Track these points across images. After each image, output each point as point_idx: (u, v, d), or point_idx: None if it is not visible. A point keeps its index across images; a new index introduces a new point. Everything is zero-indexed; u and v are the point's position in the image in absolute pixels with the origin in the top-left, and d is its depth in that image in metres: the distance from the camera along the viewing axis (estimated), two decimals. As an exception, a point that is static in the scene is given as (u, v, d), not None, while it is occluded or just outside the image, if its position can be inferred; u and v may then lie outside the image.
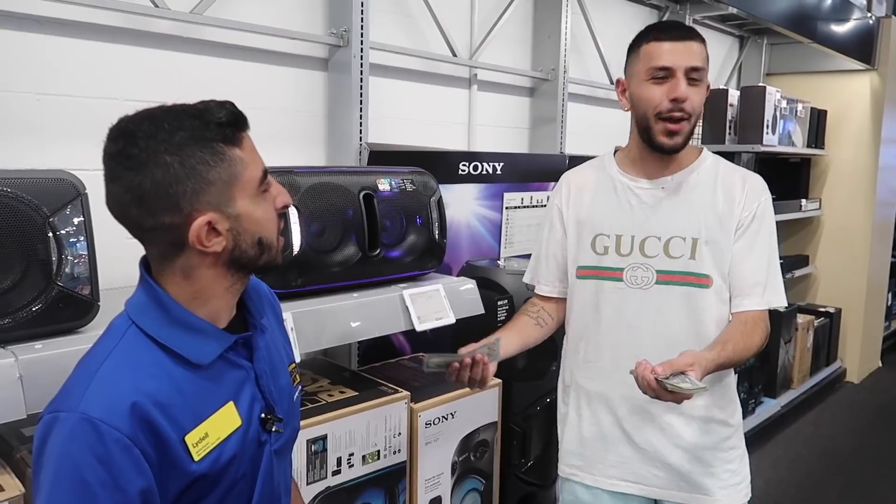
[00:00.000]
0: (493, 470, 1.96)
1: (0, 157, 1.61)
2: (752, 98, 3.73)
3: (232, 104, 0.90)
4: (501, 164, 2.58)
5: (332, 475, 1.59)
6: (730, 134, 3.72)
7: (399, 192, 1.80)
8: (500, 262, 2.38)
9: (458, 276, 2.13)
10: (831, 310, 4.82)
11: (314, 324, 1.55)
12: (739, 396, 1.59)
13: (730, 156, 3.12)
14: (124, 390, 0.83)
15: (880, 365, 5.33)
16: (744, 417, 1.62)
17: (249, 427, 0.94)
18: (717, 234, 1.43)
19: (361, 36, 2.18)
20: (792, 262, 4.58)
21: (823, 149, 4.70)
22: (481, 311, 1.88)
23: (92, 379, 0.83)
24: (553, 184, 2.85)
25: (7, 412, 1.13)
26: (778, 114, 3.87)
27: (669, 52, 1.39)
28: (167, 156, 0.84)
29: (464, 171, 2.45)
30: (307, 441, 1.52)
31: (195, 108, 0.87)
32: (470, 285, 1.88)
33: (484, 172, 2.52)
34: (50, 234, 1.23)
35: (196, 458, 0.86)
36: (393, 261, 1.78)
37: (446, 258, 1.95)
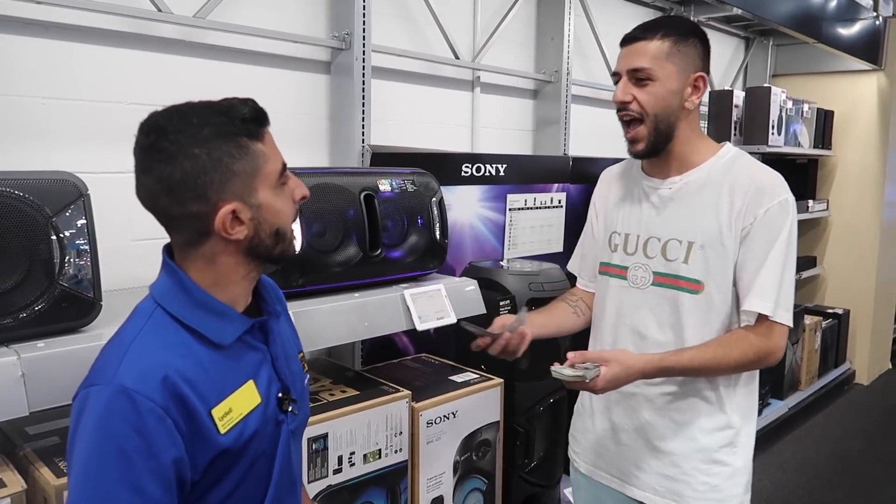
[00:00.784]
0: (495, 470, 1.96)
1: (6, 160, 1.63)
2: (758, 99, 3.72)
3: (254, 101, 0.95)
4: (504, 165, 2.58)
5: (334, 474, 1.60)
6: (735, 135, 3.71)
7: (400, 193, 1.81)
8: (504, 263, 2.38)
9: (460, 276, 2.14)
10: (839, 311, 4.79)
11: (316, 324, 1.56)
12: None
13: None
14: (155, 365, 0.87)
15: (890, 367, 5.29)
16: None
17: (268, 406, 0.99)
18: (715, 239, 1.37)
19: (364, 39, 2.19)
20: (800, 263, 4.55)
21: (830, 149, 4.68)
22: (483, 310, 1.88)
23: (124, 355, 0.88)
24: (557, 185, 2.87)
25: (10, 410, 1.15)
26: (784, 114, 3.85)
27: (620, 57, 1.42)
28: (195, 148, 0.89)
29: (466, 172, 2.46)
30: (308, 439, 1.53)
31: (221, 104, 0.94)
32: (472, 285, 1.89)
33: (487, 174, 2.53)
34: (52, 235, 1.24)
35: (222, 431, 0.91)
36: (394, 261, 1.79)
37: (450, 259, 1.96)
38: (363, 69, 2.21)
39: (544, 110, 3.08)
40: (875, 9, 4.73)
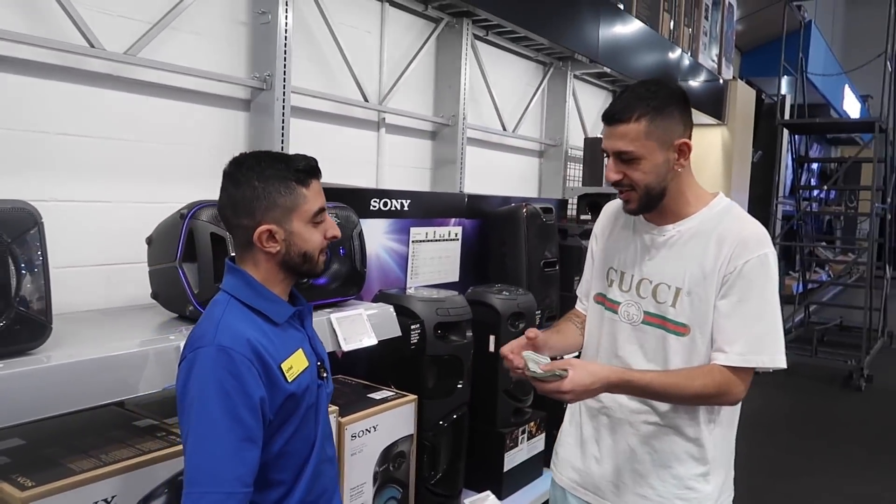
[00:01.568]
0: (409, 479, 2.13)
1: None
2: (625, 146, 4.21)
3: (313, 159, 1.31)
4: (409, 200, 2.80)
5: (265, 487, 1.70)
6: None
7: (325, 225, 1.97)
8: (410, 291, 2.58)
9: (372, 302, 2.31)
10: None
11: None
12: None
13: (606, 197, 3.52)
14: (241, 331, 1.21)
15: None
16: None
17: (312, 369, 1.33)
18: (699, 288, 1.45)
19: (284, 80, 2.35)
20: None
21: (684, 192, 5.31)
22: (398, 333, 2.07)
23: (217, 326, 1.21)
24: (454, 220, 3.13)
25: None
26: (646, 161, 4.37)
27: (604, 135, 1.48)
28: (256, 181, 1.25)
29: (374, 206, 2.65)
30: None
31: (287, 156, 1.31)
32: (389, 310, 2.07)
33: (392, 208, 2.73)
34: (10, 259, 1.31)
35: (289, 380, 1.25)
36: (319, 287, 1.94)
37: (360, 287, 2.12)
38: (283, 108, 2.36)
39: (442, 150, 3.34)
40: (718, 71, 5.48)
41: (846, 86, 11.38)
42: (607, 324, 1.59)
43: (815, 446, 4.58)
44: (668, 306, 1.49)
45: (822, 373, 6.46)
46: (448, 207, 3.09)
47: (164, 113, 2.14)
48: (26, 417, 1.27)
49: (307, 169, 1.28)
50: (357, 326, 1.96)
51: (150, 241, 1.78)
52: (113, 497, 1.36)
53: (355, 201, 2.41)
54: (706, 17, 5.25)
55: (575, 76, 4.27)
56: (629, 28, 4.14)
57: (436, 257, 3.07)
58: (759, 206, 6.61)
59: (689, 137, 1.48)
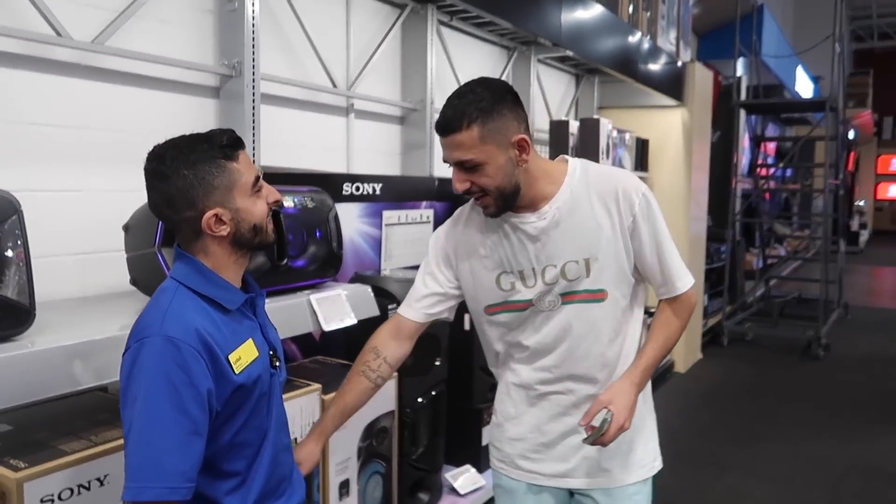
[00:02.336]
0: (392, 454, 2.19)
1: None
2: (589, 128, 4.30)
3: (231, 131, 1.24)
4: (380, 185, 2.84)
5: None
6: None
7: (301, 209, 2.00)
8: (385, 272, 2.63)
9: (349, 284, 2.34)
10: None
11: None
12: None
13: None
14: (189, 320, 1.17)
15: (701, 357, 6.18)
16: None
17: (262, 359, 1.29)
18: (608, 248, 1.49)
19: (253, 67, 2.36)
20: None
21: (647, 172, 5.45)
22: (377, 312, 2.12)
23: (164, 315, 1.16)
24: (425, 203, 3.17)
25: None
26: (610, 142, 4.48)
27: (443, 148, 1.46)
28: (185, 170, 1.18)
29: (347, 191, 2.68)
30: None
31: (205, 134, 1.23)
32: (367, 290, 2.12)
33: (365, 193, 2.77)
34: (-7, 247, 1.32)
35: (237, 371, 1.21)
36: (298, 270, 1.97)
37: (334, 270, 2.16)
38: (253, 95, 2.37)
39: (411, 135, 3.38)
40: (677, 54, 5.60)
41: (799, 67, 11.70)
42: (527, 323, 1.56)
43: (777, 412, 4.77)
44: (581, 280, 1.51)
45: (782, 343, 6.71)
46: (419, 191, 3.14)
47: (134, 101, 2.14)
48: (12, 402, 1.29)
49: (231, 143, 1.21)
50: (337, 306, 1.99)
51: (126, 228, 1.79)
52: (106, 476, 1.39)
53: (328, 186, 2.44)
54: (663, 2, 5.35)
55: (539, 60, 4.34)
56: (591, 12, 4.21)
57: (408, 240, 3.12)
58: (720, 185, 6.79)
59: (526, 131, 1.45)
